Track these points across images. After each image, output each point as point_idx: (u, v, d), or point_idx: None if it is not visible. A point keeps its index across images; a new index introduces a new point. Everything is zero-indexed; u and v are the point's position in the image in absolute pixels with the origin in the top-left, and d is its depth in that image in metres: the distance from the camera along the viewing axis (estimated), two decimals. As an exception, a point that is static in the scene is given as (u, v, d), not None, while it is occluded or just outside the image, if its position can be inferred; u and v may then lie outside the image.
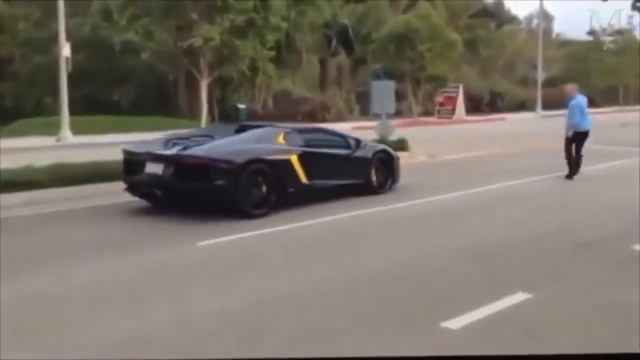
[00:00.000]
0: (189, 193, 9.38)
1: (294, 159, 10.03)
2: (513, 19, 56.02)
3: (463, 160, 16.97)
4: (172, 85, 32.56)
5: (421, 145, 18.91)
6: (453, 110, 37.51)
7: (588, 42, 56.22)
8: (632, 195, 11.48)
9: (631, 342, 4.88)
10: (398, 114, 31.32)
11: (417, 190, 11.76)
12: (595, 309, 5.67)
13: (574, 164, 13.67)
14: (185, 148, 9.85)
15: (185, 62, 28.18)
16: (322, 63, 38.30)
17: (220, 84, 30.05)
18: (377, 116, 19.29)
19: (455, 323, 5.17)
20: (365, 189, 11.21)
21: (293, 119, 29.42)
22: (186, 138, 10.74)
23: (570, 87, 14.41)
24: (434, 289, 6.16)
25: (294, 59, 35.95)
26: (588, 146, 13.91)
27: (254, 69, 29.19)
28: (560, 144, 13.95)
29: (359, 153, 11.39)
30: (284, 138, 10.30)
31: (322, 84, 37.05)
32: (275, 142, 10.17)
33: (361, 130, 19.80)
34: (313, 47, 37.59)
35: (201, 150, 9.60)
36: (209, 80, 28.07)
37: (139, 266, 6.88)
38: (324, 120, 30.59)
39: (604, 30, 54.25)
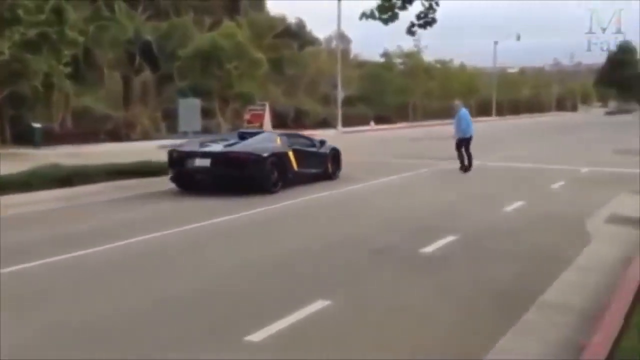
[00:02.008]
0: (230, 178, 13.29)
1: (290, 153, 14.36)
2: (314, 40, 58.42)
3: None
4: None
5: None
6: (261, 127, 38.18)
7: (382, 63, 60.21)
8: (419, 203, 12.57)
9: (422, 345, 5.32)
10: (206, 131, 31.16)
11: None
12: (391, 311, 6.11)
13: (465, 160, 17.67)
14: (226, 146, 14.00)
15: (-29, 79, 25.75)
16: (126, 80, 36.98)
17: (13, 102, 27.79)
18: (184, 134, 19.10)
19: (259, 335, 5.30)
20: (324, 176, 15.42)
21: (95, 137, 28.08)
22: (213, 141, 15.11)
23: (457, 103, 19.03)
24: (237, 302, 6.24)
25: (95, 75, 34.33)
26: (385, 160, 15.18)
27: (49, 85, 27.43)
28: (360, 159, 14.99)
29: (322, 150, 15.88)
30: (280, 140, 14.60)
31: (126, 101, 35.75)
32: (275, 142, 14.41)
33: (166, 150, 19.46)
34: (115, 63, 36.20)
35: (237, 147, 13.81)
36: (-1, 97, 25.92)
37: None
38: (128, 139, 29.56)
39: (399, 51, 58.34)
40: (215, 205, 12.02)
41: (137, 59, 37.23)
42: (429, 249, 8.43)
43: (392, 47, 58.28)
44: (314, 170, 15.19)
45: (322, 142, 16.21)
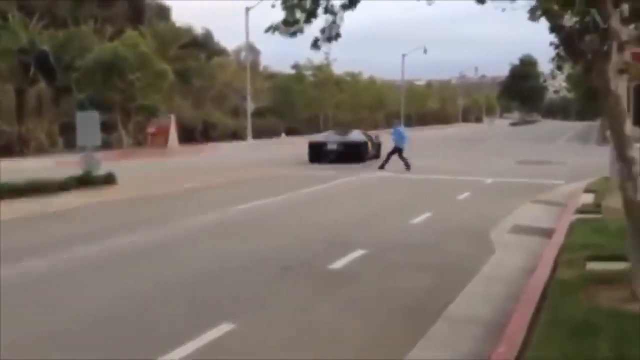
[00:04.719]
0: (346, 155, 25.06)
1: (372, 141, 27.38)
2: (222, 51, 57.84)
3: (179, 192, 16.75)
4: None
5: (132, 178, 18.35)
6: (166, 141, 37.29)
7: (292, 75, 60.40)
8: (329, 216, 12.45)
9: None
10: (108, 145, 30.04)
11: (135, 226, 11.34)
12: (299, 330, 5.93)
13: (404, 162, 22.55)
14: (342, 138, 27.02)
15: None
16: (20, 92, 35.04)
17: None
18: (83, 149, 18.25)
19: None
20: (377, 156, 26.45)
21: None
22: (336, 135, 28.08)
23: (397, 122, 27.13)
24: (141, 328, 5.94)
25: (-17, 87, 32.49)
26: (301, 173, 15.05)
27: None
28: (271, 172, 14.67)
29: (376, 141, 28.18)
30: (363, 134, 28.04)
31: (20, 114, 33.84)
32: (361, 135, 27.76)
33: (65, 167, 18.54)
34: (8, 74, 34.32)
35: (349, 138, 26.81)
36: None
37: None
38: (22, 154, 28.01)
39: (309, 63, 58.59)
40: (108, 225, 11.43)
41: (32, 69, 35.44)
42: (338, 264, 8.33)
43: (302, 59, 58.58)
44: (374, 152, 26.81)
45: (377, 137, 28.58)
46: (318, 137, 28.21)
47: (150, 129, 37.65)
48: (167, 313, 6.45)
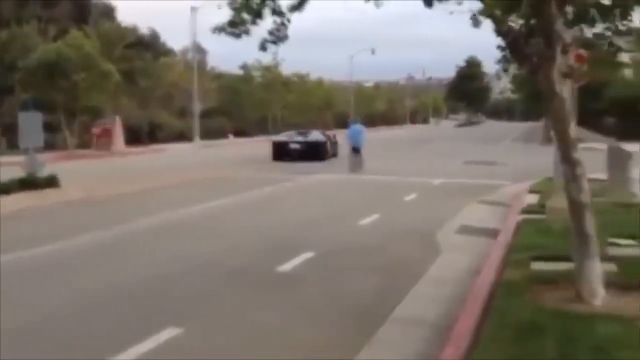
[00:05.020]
0: (308, 153, 27.19)
1: (330, 140, 29.80)
2: (169, 51, 56.95)
3: (124, 195, 16.39)
4: None
5: (77, 180, 17.88)
6: (111, 142, 36.55)
7: (240, 76, 59.95)
8: (277, 218, 12.36)
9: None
10: (52, 147, 29.25)
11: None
12: (246, 334, 5.83)
13: (358, 162, 22.87)
14: (304, 137, 29.18)
15: None
16: (-42, 93, 33.92)
17: None
18: (26, 150, 17.65)
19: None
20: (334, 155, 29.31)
21: None
22: (298, 135, 29.70)
23: (353, 120, 28.49)
24: (83, 334, 5.77)
25: None
26: (247, 175, 14.88)
27: None
28: (219, 173, 14.50)
29: (334, 140, 30.65)
30: (323, 134, 30.80)
31: (-41, 116, 32.72)
32: (321, 135, 30.29)
33: (6, 167, 17.94)
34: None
35: (310, 138, 29.09)
36: None
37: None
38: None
39: (257, 64, 58.11)
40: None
41: (-29, 70, 34.29)
42: (286, 267, 8.25)
43: (251, 60, 58.13)
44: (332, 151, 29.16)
45: (334, 136, 30.93)
46: (281, 137, 30.27)
47: (95, 130, 36.83)
48: (110, 318, 6.27)
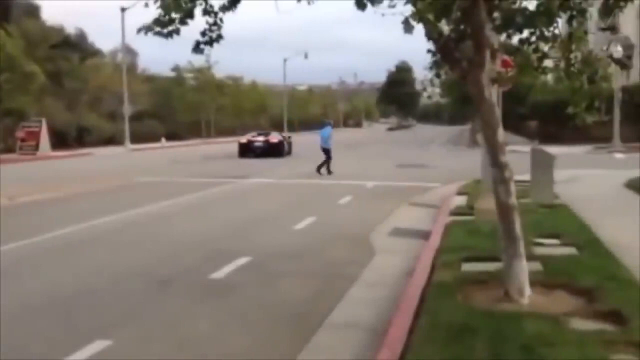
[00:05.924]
0: (269, 151, 32.77)
1: (286, 140, 35.29)
2: (97, 52, 55.42)
3: (48, 201, 15.79)
4: None
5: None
6: (37, 146, 35.28)
7: (172, 79, 58.96)
8: (210, 224, 12.17)
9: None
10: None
11: None
12: (179, 344, 5.70)
13: (327, 164, 23.06)
14: (265, 137, 34.57)
15: None
16: None
17: None
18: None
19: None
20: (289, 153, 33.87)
21: None
22: (259, 135, 35.16)
23: (327, 123, 26.46)
24: (6, 350, 5.45)
25: None
26: (178, 180, 14.48)
27: None
28: (150, 178, 14.11)
29: (290, 140, 36.74)
30: (281, 135, 36.39)
31: None
32: (279, 135, 36.32)
33: None
34: None
35: (270, 138, 34.40)
36: None
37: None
38: None
39: (190, 66, 57.16)
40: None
41: None
42: (219, 273, 8.11)
43: (183, 62, 57.16)
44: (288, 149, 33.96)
45: (290, 137, 36.12)
46: (245, 137, 35.19)
47: (19, 134, 35.53)
48: (35, 333, 6.01)
